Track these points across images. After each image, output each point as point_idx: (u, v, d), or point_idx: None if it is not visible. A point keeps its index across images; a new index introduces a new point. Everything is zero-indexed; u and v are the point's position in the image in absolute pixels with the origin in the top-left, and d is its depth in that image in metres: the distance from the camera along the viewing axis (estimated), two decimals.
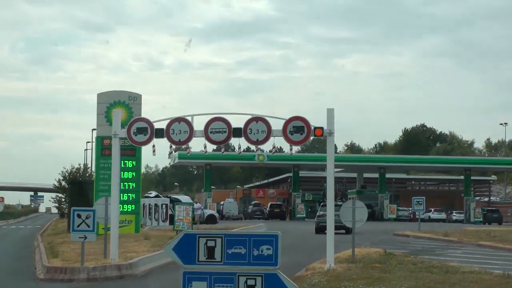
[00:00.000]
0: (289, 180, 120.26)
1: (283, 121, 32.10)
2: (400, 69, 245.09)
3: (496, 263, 35.36)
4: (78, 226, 29.26)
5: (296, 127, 31.71)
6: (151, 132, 32.41)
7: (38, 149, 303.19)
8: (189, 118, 32.79)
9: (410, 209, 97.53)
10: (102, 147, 50.26)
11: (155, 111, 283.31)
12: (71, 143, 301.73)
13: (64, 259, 34.62)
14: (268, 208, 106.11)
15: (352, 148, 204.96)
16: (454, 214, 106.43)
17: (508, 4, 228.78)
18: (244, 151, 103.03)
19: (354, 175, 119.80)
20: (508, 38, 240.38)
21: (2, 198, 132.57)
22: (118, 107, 48.79)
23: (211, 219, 74.15)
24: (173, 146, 34.05)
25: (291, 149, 36.09)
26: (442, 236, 53.53)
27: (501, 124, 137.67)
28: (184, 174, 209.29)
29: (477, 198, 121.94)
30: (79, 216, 29.36)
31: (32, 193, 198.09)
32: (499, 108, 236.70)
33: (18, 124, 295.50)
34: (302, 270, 30.88)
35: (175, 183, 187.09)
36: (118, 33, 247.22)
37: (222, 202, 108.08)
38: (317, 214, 66.63)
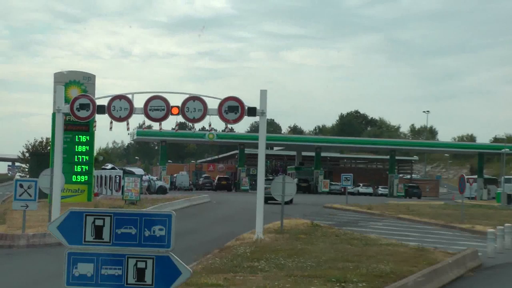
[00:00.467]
0: (236, 157, 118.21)
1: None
2: (340, 62, 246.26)
3: (413, 235, 33.67)
4: (20, 196, 27.13)
5: (231, 107, 29.65)
6: (93, 108, 30.17)
7: (20, 125, 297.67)
8: (130, 96, 30.52)
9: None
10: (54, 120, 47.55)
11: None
12: (47, 120, 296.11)
13: (10, 226, 32.53)
14: (216, 181, 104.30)
15: (295, 130, 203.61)
16: (380, 189, 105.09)
17: (435, 8, 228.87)
18: (200, 130, 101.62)
19: (294, 153, 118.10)
20: (433, 37, 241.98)
21: None
22: (73, 86, 46.64)
23: (161, 190, 72.07)
24: (127, 124, 31.85)
25: (226, 127, 33.74)
26: (366, 209, 51.35)
27: (424, 111, 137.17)
28: (147, 149, 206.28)
29: (400, 175, 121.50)
30: (21, 186, 27.29)
31: (10, 163, 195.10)
32: (423, 98, 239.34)
33: (2, 102, 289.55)
34: (233, 239, 28.77)
35: (136, 157, 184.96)
36: (92, 24, 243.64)
37: (175, 175, 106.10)
38: None
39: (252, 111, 29.75)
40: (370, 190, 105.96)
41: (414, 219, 43.04)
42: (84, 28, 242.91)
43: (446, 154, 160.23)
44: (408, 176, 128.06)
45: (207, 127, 36.06)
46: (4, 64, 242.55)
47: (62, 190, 33.96)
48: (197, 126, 42.37)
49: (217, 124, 33.21)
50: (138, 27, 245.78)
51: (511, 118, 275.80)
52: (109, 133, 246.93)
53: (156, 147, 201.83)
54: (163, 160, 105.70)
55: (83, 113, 30.19)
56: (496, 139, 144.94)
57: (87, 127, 48.17)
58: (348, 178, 64.73)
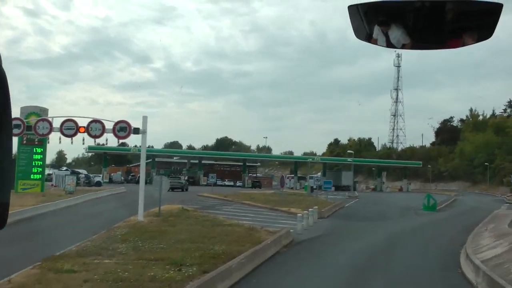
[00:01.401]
0: (151, 162, 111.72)
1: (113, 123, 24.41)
2: (218, 110, 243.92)
3: (249, 216, 28.69)
4: None
5: (122, 127, 24.23)
6: (23, 127, 24.04)
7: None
8: (50, 119, 24.65)
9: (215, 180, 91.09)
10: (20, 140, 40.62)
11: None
12: None
13: None
14: (137, 178, 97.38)
15: (190, 147, 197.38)
16: (238, 182, 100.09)
17: (272, 79, 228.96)
18: (134, 146, 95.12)
19: (185, 161, 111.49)
20: (270, 96, 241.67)
21: None
22: (33, 115, 39.46)
23: (97, 184, 64.44)
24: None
25: (118, 142, 28.07)
26: (223, 197, 44.80)
27: (264, 137, 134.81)
28: (101, 157, 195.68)
29: (250, 174, 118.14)
30: None
31: None
32: (265, 130, 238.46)
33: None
34: (122, 221, 23.02)
35: (92, 162, 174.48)
36: (75, 85, 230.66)
37: (112, 174, 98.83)
38: (170, 181, 62.72)
39: (136, 131, 24.35)
40: (231, 183, 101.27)
41: (252, 203, 37.57)
42: (70, 87, 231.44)
43: (276, 162, 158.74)
44: (255, 175, 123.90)
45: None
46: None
47: None
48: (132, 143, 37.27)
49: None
50: (101, 87, 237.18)
51: (313, 140, 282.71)
52: (80, 146, 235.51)
53: (108, 157, 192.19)
54: (105, 165, 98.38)
55: (15, 131, 23.95)
56: (305, 153, 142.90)
57: (42, 143, 41.61)
58: (212, 177, 59.01)
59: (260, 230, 20.18)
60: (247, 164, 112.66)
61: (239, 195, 47.35)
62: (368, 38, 2.50)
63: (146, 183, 78.80)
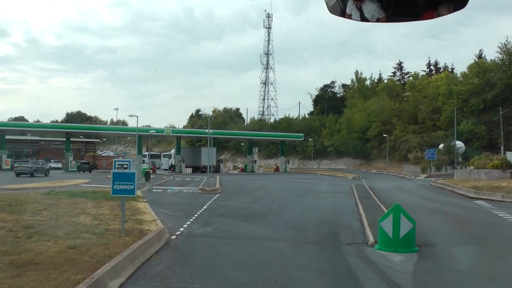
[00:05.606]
0: None
1: None
2: (82, 85, 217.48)
3: None
4: None
5: None
6: None
7: None
8: None
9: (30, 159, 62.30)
10: None
11: None
12: None
13: None
14: None
15: (37, 122, 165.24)
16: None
17: (138, 55, 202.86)
18: None
19: None
20: (137, 72, 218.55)
21: None
22: None
23: None
24: None
25: None
26: None
27: (115, 109, 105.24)
28: None
29: (101, 153, 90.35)
30: None
31: None
32: (131, 107, 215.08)
33: None
34: None
35: None
36: None
37: None
38: (15, 165, 50.92)
39: None
40: (60, 165, 72.32)
41: None
42: None
43: (128, 138, 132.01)
44: (95, 154, 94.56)
45: None
46: None
47: None
48: None
49: None
50: None
51: (180, 117, 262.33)
52: None
53: None
54: None
55: None
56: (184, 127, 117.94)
57: None
58: None
59: None
60: (85, 139, 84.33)
61: None
62: (343, 13, 2.50)
63: None
